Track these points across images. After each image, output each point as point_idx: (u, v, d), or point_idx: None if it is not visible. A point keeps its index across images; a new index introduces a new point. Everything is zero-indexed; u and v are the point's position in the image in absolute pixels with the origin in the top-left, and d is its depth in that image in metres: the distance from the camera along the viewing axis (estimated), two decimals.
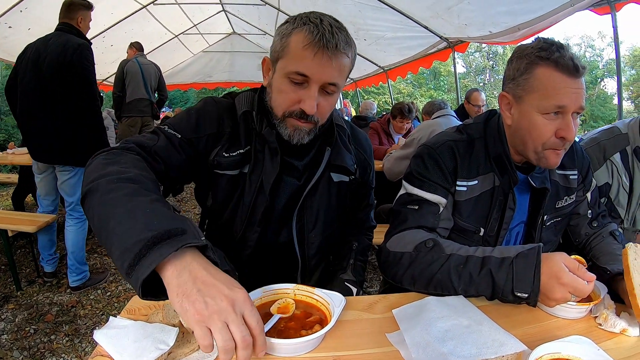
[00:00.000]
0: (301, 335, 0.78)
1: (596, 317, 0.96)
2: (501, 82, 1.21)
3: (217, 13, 8.32)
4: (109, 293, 3.06)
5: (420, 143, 2.73)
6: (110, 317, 0.82)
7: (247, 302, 0.68)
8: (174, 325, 0.78)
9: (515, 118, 1.16)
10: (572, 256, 0.95)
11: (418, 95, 34.25)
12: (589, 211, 1.36)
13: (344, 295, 0.94)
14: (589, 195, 1.36)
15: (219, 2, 7.63)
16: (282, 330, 0.83)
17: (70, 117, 2.71)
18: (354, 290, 1.30)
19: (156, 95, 5.22)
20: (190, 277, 0.66)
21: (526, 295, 0.91)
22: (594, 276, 0.91)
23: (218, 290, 0.66)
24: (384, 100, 29.50)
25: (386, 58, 6.82)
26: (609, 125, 1.65)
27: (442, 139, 1.26)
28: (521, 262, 0.92)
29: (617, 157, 1.55)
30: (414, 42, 5.53)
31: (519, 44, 1.18)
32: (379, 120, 4.62)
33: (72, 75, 2.64)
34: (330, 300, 0.90)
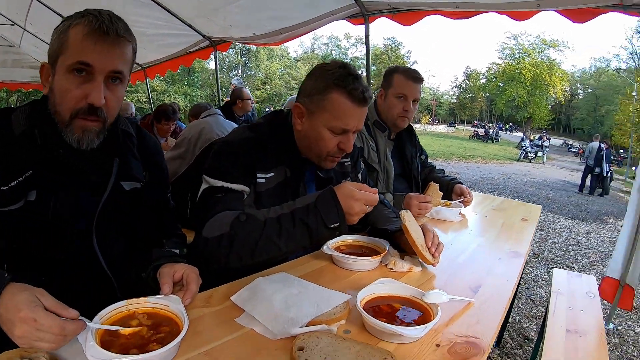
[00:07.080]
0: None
1: (387, 264, 1.32)
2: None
3: None
4: None
5: (192, 142, 2.84)
6: None
7: (33, 299, 0.76)
8: None
9: (305, 127, 1.36)
10: None
11: (172, 92, 33.13)
12: None
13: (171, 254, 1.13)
14: (359, 175, 1.75)
15: None
16: (143, 345, 0.82)
17: None
18: (177, 251, 1.23)
19: None
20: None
21: (337, 224, 1.13)
22: (376, 189, 1.21)
23: (17, 315, 0.74)
24: (136, 98, 27.47)
25: (147, 55, 6.35)
26: None
27: (238, 136, 1.38)
28: (322, 201, 1.15)
29: (362, 128, 2.14)
30: (177, 39, 5.40)
31: (320, 64, 1.39)
32: (142, 123, 4.39)
33: None
34: (167, 302, 0.93)
